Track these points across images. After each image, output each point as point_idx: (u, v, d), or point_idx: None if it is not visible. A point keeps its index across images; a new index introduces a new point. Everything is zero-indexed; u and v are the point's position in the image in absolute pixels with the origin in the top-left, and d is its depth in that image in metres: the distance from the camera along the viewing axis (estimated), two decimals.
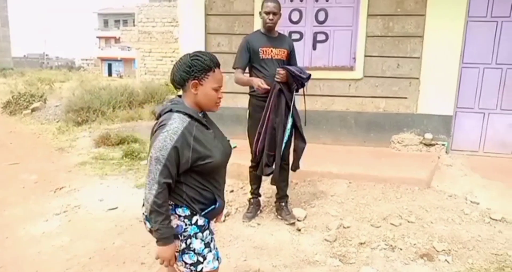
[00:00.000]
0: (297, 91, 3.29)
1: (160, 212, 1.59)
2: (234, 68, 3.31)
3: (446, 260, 2.79)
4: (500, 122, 4.74)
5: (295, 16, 4.91)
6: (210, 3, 4.92)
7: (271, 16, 3.19)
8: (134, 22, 21.83)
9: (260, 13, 3.26)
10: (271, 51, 3.24)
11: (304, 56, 4.96)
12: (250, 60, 3.25)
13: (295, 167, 3.40)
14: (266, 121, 3.20)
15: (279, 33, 3.40)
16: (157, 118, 1.71)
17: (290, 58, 3.36)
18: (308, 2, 4.85)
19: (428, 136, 4.71)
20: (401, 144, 4.78)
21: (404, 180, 3.99)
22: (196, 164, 1.63)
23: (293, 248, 2.97)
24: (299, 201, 3.74)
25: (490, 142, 4.79)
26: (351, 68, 4.88)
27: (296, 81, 3.19)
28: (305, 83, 3.24)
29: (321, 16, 4.86)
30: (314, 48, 4.93)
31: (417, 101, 4.76)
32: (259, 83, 3.06)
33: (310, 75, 3.20)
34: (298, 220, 3.33)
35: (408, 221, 3.32)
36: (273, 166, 3.29)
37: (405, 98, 4.78)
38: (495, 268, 2.71)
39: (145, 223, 1.77)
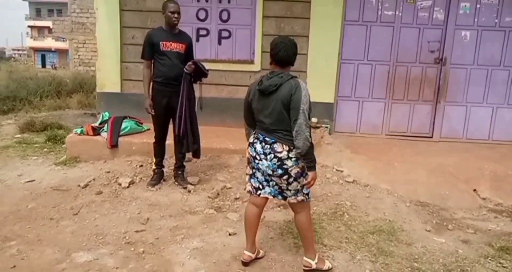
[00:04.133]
0: (195, 82, 4.02)
1: (312, 146, 2.40)
2: (141, 58, 3.98)
3: None
4: (371, 109, 5.77)
5: (202, 15, 5.60)
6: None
7: (176, 15, 3.87)
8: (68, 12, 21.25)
9: (163, 12, 3.91)
10: (171, 44, 3.91)
11: (211, 50, 5.68)
12: (153, 51, 3.90)
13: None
14: (183, 106, 3.86)
15: (180, 30, 4.08)
16: (275, 87, 2.42)
17: (188, 51, 4.05)
18: (213, 2, 5.56)
19: (314, 120, 5.62)
20: None
21: None
22: None
23: (181, 204, 3.68)
24: (197, 171, 4.45)
25: (364, 125, 5.82)
26: (251, 62, 5.67)
27: (200, 74, 3.96)
28: (203, 77, 4.01)
29: (225, 16, 5.59)
30: (219, 43, 5.66)
31: None
32: (147, 106, 3.94)
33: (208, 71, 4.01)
34: (191, 184, 4.05)
35: None
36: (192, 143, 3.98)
37: None
38: (331, 212, 3.62)
39: (276, 170, 2.50)
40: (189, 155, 4.17)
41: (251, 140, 2.63)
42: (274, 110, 2.44)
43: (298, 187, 2.53)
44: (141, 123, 5.25)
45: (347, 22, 5.55)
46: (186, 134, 3.88)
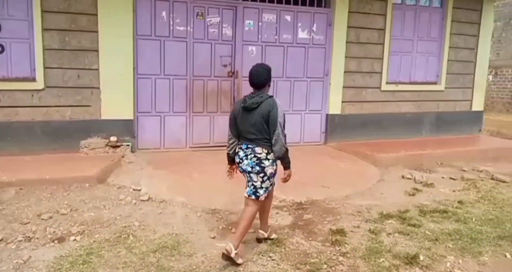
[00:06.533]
0: None
1: (287, 150, 3.07)
2: None
3: (75, 239, 3.30)
4: (173, 123, 5.80)
5: None
6: None
7: None
8: None
9: None
10: None
11: None
12: None
13: None
14: None
15: None
16: (257, 105, 3.00)
17: None
18: None
19: (113, 138, 5.33)
20: (89, 148, 5.25)
21: (76, 179, 4.43)
22: None
23: None
24: None
25: (168, 140, 5.80)
26: (33, 79, 5.04)
27: None
28: None
29: None
30: None
31: (100, 108, 5.32)
32: None
33: None
34: None
35: (61, 214, 3.72)
36: None
37: (89, 106, 5.28)
38: (115, 236, 3.38)
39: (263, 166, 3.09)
40: None
41: (236, 150, 3.18)
42: (255, 123, 3.04)
43: (268, 185, 3.13)
44: None
45: (139, 37, 5.46)
46: None
